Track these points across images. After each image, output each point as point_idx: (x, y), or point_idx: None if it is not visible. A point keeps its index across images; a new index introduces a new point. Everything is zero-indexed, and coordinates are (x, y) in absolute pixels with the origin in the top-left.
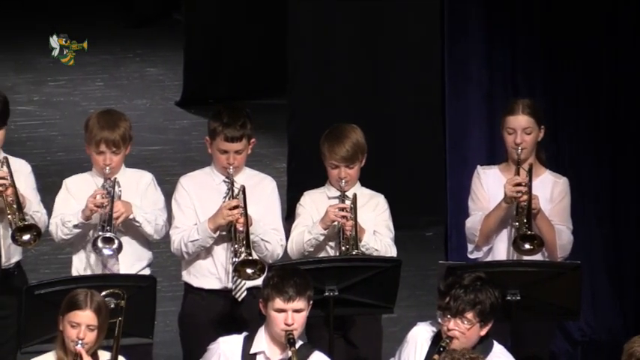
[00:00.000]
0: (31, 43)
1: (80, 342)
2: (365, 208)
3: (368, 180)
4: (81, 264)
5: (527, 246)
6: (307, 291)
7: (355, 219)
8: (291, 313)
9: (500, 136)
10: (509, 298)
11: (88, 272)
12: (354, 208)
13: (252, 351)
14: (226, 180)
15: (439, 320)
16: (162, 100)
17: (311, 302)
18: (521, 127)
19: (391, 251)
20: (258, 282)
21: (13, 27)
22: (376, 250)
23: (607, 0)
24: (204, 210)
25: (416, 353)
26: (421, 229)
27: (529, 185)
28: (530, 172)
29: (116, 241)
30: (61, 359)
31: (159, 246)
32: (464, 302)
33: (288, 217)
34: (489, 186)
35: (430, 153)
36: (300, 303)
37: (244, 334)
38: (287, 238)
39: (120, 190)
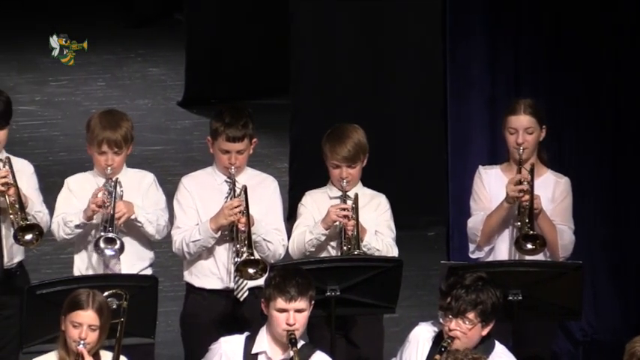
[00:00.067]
0: (33, 43)
1: (82, 342)
2: (366, 208)
3: (370, 180)
4: (83, 264)
5: (529, 246)
6: (309, 291)
7: (357, 219)
8: (292, 313)
9: (501, 137)
10: (510, 298)
11: (90, 272)
12: (355, 208)
13: (253, 351)
14: (228, 180)
15: (441, 320)
16: (164, 100)
17: (313, 302)
18: (522, 127)
19: (393, 251)
20: (260, 282)
21: (15, 27)
22: (378, 250)
23: (608, 0)
24: (206, 210)
25: (417, 353)
26: (423, 229)
27: (531, 185)
28: (531, 172)
29: (118, 242)
30: (62, 359)
31: (160, 246)
32: (465, 302)
33: (290, 217)
34: (491, 186)
35: (432, 153)
36: (301, 303)
37: (246, 334)
38: (289, 238)
39: (122, 191)
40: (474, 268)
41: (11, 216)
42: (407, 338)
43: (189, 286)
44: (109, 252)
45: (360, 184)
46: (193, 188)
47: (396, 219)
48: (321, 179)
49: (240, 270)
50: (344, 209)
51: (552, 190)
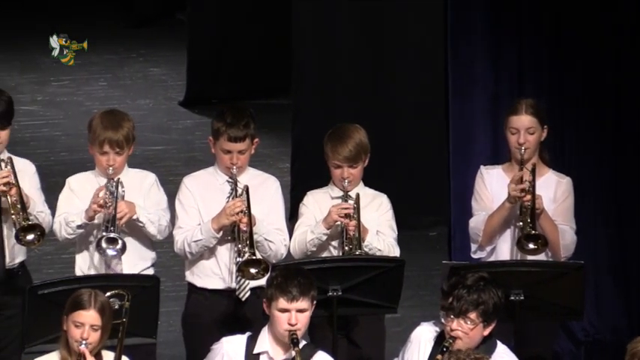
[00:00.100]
0: (34, 44)
1: (84, 342)
2: (368, 208)
3: (371, 180)
4: (84, 263)
5: (531, 245)
6: (311, 291)
7: (358, 219)
8: (294, 313)
9: (503, 137)
10: (512, 298)
11: (92, 272)
12: (357, 208)
13: (255, 351)
14: (230, 180)
15: (442, 320)
16: (166, 100)
17: (314, 302)
18: (524, 127)
19: (394, 251)
20: (262, 282)
21: (16, 27)
22: (379, 250)
23: (608, 0)
24: (208, 210)
25: (419, 353)
26: (424, 229)
27: (532, 185)
28: (533, 172)
29: (120, 242)
30: (64, 359)
31: (162, 246)
32: (467, 302)
33: (292, 217)
34: (493, 186)
35: (433, 153)
36: (303, 303)
37: (248, 334)
38: (290, 237)
39: (123, 191)
40: (475, 268)
41: (13, 216)
42: (409, 338)
43: (191, 286)
44: (110, 252)
45: (361, 184)
46: (195, 188)
47: (397, 219)
48: (322, 179)
49: (242, 270)
50: (345, 209)
51: (554, 190)
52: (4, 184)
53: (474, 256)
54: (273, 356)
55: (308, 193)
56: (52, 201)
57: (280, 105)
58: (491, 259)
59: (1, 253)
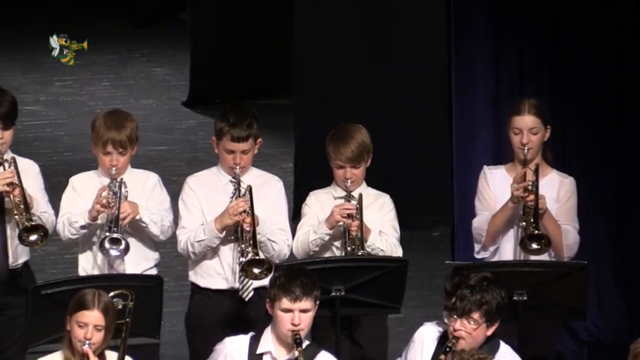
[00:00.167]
0: (37, 44)
1: (87, 342)
2: (371, 208)
3: (374, 180)
4: (88, 263)
5: (534, 245)
6: (314, 291)
7: (361, 219)
8: (297, 313)
9: (506, 136)
10: (515, 298)
11: (95, 272)
12: (359, 209)
13: (258, 351)
14: (233, 180)
15: (445, 320)
16: (169, 100)
17: (318, 302)
18: (527, 127)
19: (397, 251)
20: (265, 282)
21: (19, 27)
22: (382, 250)
23: (608, 0)
24: (211, 210)
25: (422, 353)
26: (428, 229)
27: (536, 185)
28: (536, 172)
29: (123, 242)
30: (68, 359)
31: (165, 246)
32: (470, 302)
33: (295, 217)
34: (496, 186)
35: (436, 153)
36: (306, 303)
37: (251, 334)
38: (293, 237)
39: (126, 191)
40: (478, 268)
41: (16, 217)
42: (412, 338)
43: (194, 286)
44: (114, 252)
45: (364, 184)
46: (198, 188)
47: (400, 219)
48: (326, 179)
49: (245, 270)
50: (348, 209)
51: (557, 190)
52: (8, 185)
53: (477, 256)
54: (276, 356)
55: (310, 193)
56: (55, 201)
57: (283, 105)
58: (495, 259)
59: (4, 254)
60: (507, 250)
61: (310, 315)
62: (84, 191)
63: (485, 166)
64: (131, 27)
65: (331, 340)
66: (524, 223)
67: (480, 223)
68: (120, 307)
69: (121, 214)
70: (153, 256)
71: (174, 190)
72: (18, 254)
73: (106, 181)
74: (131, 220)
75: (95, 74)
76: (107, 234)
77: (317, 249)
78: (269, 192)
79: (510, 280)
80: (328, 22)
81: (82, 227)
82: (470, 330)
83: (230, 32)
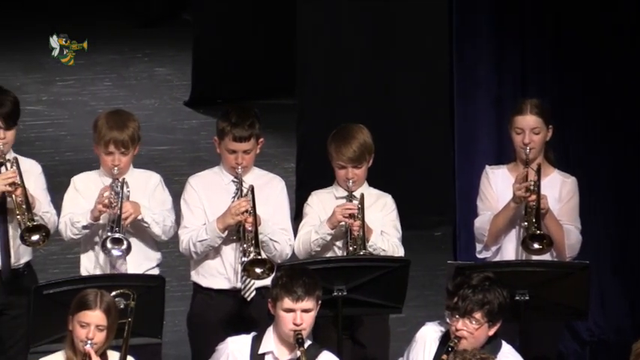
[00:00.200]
0: (38, 44)
1: (89, 342)
2: (372, 208)
3: (376, 180)
4: (90, 263)
5: (536, 246)
6: (316, 291)
7: (363, 219)
8: (299, 313)
9: (508, 136)
10: (517, 298)
11: (97, 272)
12: (361, 209)
13: (260, 351)
14: (235, 180)
15: (447, 320)
16: (171, 100)
17: (319, 302)
18: (529, 127)
19: (398, 251)
20: (267, 282)
21: (19, 27)
22: (383, 250)
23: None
24: (213, 210)
25: (424, 353)
26: (430, 229)
27: (538, 185)
28: (538, 172)
29: (125, 242)
30: (70, 359)
31: (167, 246)
32: (472, 302)
33: (297, 217)
34: (498, 186)
35: (439, 153)
36: (308, 303)
37: (253, 334)
38: (295, 238)
39: (128, 191)
40: (480, 268)
41: (18, 217)
42: (414, 338)
43: (197, 286)
44: (116, 252)
45: (365, 184)
46: (200, 188)
47: (402, 219)
48: (328, 179)
49: (248, 270)
50: (350, 209)
51: (559, 190)
52: (10, 185)
53: (479, 256)
54: (278, 356)
55: (312, 193)
56: (57, 201)
57: (285, 105)
58: (497, 259)
59: (6, 254)
60: (509, 249)
61: (312, 315)
62: (86, 191)
63: (487, 166)
64: (134, 27)
65: (333, 340)
66: (525, 223)
67: (482, 223)
68: (122, 306)
69: (122, 214)
70: (155, 256)
71: (176, 190)
72: (20, 254)
73: (108, 181)
74: (133, 220)
75: (97, 74)
76: (109, 234)
77: (319, 249)
78: (271, 192)
79: (512, 280)
80: (330, 22)
81: (84, 227)
82: (472, 330)
83: (232, 32)
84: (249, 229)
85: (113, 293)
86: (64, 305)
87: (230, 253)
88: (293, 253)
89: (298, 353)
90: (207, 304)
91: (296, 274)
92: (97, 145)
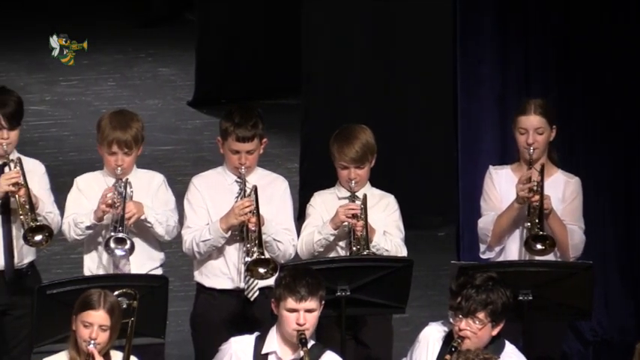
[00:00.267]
0: (39, 44)
1: (93, 342)
2: (375, 208)
3: (379, 180)
4: (93, 263)
5: (539, 246)
6: (319, 291)
7: (365, 219)
8: (303, 313)
9: (512, 136)
10: (521, 298)
11: (100, 272)
12: (364, 209)
13: (263, 351)
14: (238, 180)
15: (451, 320)
16: (175, 100)
17: (323, 302)
18: (533, 127)
19: (402, 251)
20: (270, 282)
21: (19, 27)
22: (387, 250)
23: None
24: (217, 210)
25: (427, 353)
26: (433, 229)
27: (541, 185)
28: (542, 172)
29: (128, 242)
30: (73, 359)
31: (171, 246)
32: (475, 302)
33: (300, 217)
34: (501, 186)
35: (442, 153)
36: (312, 303)
37: (256, 334)
38: (299, 237)
39: (131, 191)
40: (484, 268)
41: (21, 217)
42: (417, 338)
43: (200, 286)
44: (119, 252)
45: (368, 185)
46: (204, 188)
47: (405, 219)
48: (331, 179)
49: (251, 270)
50: (352, 209)
51: (562, 190)
52: (13, 185)
53: (483, 257)
54: (281, 356)
55: (315, 193)
56: (60, 201)
57: (289, 105)
58: (500, 259)
59: (10, 254)
60: (513, 250)
61: (315, 315)
62: (89, 191)
63: (490, 166)
64: (138, 27)
65: (336, 340)
66: (528, 224)
67: (486, 223)
68: (124, 305)
69: (126, 214)
70: (158, 256)
71: (179, 190)
72: (24, 254)
73: (111, 181)
74: (136, 220)
75: (101, 74)
76: (112, 234)
77: (322, 249)
78: (274, 192)
79: (516, 280)
80: (336, 22)
81: (88, 228)
82: (475, 330)
83: (236, 32)
84: (253, 229)
85: (116, 293)
86: (68, 305)
87: (233, 253)
88: (296, 254)
89: (301, 353)
90: (211, 304)
91: (299, 274)
92: (101, 145)
